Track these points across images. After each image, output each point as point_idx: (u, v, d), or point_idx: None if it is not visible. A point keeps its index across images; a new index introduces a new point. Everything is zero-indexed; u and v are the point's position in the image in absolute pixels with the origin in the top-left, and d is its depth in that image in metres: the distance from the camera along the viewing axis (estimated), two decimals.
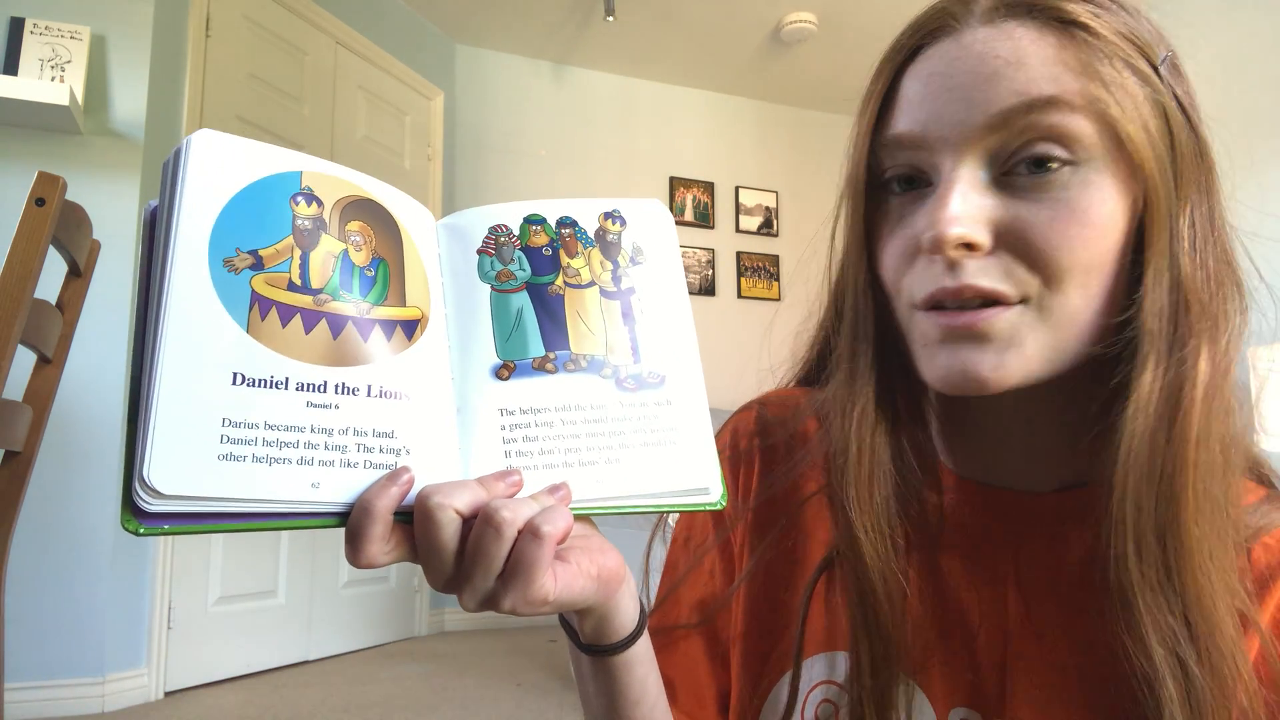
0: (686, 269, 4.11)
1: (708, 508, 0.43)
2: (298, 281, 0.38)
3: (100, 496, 2.16)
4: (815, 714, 0.50)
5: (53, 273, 1.04)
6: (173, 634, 2.33)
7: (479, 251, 0.44)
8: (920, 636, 0.49)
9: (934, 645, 0.49)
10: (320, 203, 0.40)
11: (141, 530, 0.33)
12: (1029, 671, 0.46)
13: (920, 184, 0.45)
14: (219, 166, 0.38)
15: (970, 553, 0.50)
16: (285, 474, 0.35)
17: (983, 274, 0.41)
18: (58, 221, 0.99)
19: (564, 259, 0.45)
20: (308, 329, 0.38)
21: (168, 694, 2.29)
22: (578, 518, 0.41)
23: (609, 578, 0.41)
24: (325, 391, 0.37)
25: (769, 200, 4.41)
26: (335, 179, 0.41)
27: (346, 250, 0.40)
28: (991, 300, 0.41)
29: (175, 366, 0.34)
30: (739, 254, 4.29)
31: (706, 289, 4.19)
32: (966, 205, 0.41)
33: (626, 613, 0.44)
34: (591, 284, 0.45)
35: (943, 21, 0.44)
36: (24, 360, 1.00)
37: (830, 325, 0.54)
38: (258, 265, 0.37)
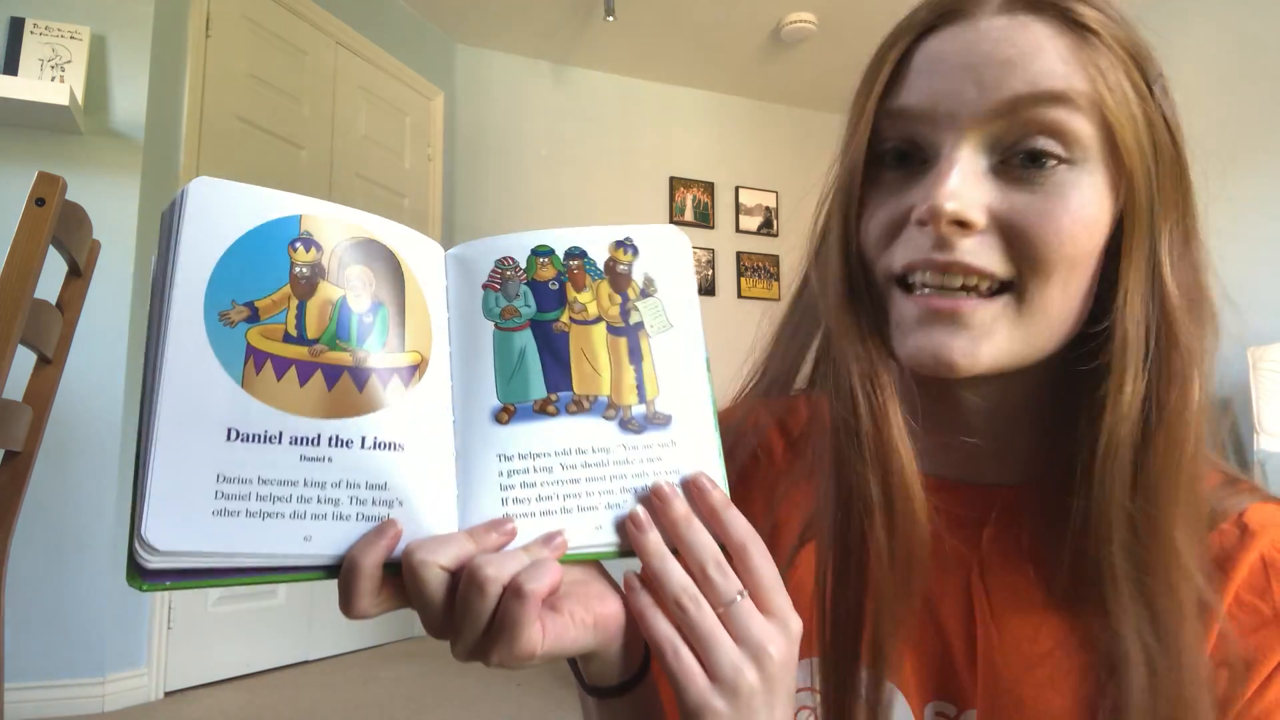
0: None
1: None
2: (293, 332, 0.38)
3: (100, 496, 2.16)
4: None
5: (53, 273, 1.04)
6: (173, 634, 2.33)
7: (484, 287, 0.43)
8: None
9: (906, 640, 0.49)
10: (319, 247, 0.39)
11: (144, 586, 0.34)
12: (998, 662, 0.47)
13: (914, 160, 0.45)
14: (216, 215, 0.38)
15: (934, 546, 0.50)
16: (278, 528, 0.36)
17: (972, 254, 0.42)
18: (58, 221, 0.99)
19: (570, 293, 0.43)
20: (302, 381, 0.38)
21: (168, 694, 2.29)
22: (580, 561, 0.41)
23: (606, 624, 0.40)
24: (319, 445, 0.37)
25: (769, 200, 4.41)
26: (335, 220, 0.40)
27: (345, 296, 0.39)
28: (973, 285, 0.42)
29: (171, 424, 0.35)
30: (739, 254, 4.29)
31: (706, 289, 4.19)
32: (965, 184, 0.42)
33: (630, 655, 0.43)
34: (598, 319, 0.43)
35: (960, 5, 0.45)
36: (24, 360, 1.00)
37: (805, 300, 0.54)
38: (253, 317, 0.37)
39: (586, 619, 0.39)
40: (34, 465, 1.07)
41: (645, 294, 0.44)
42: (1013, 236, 0.42)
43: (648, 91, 4.24)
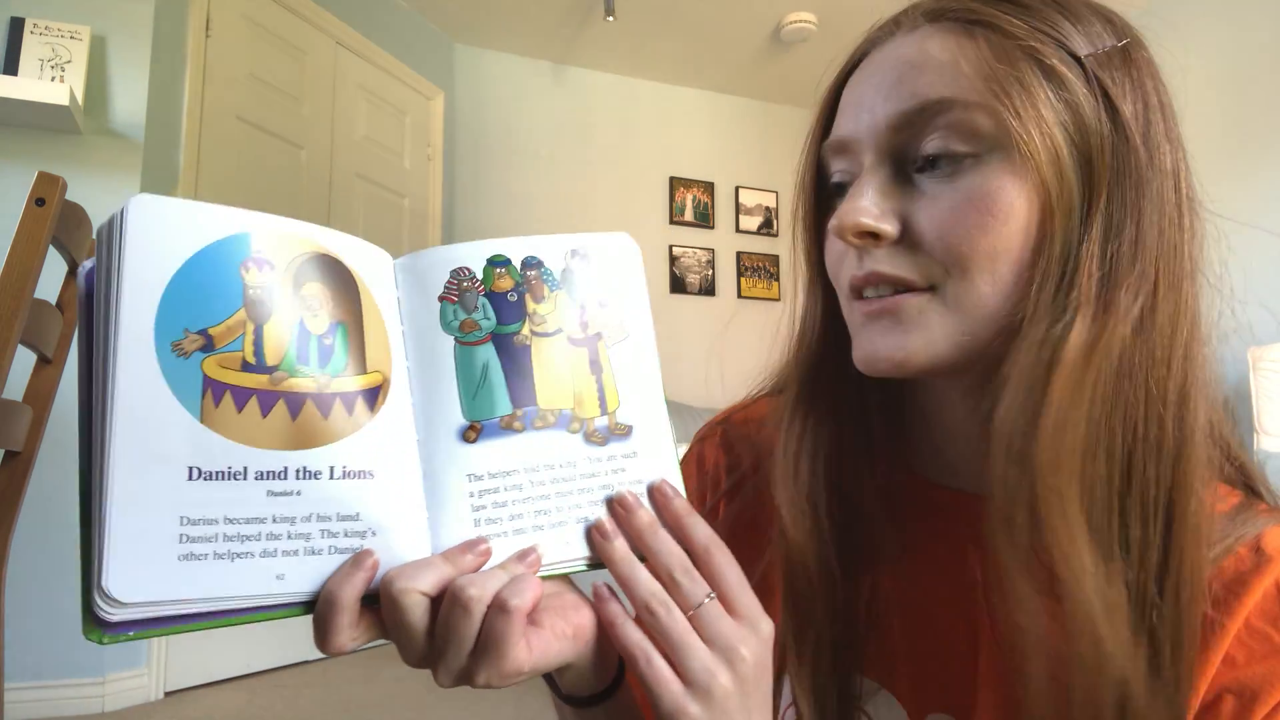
0: (687, 269, 4.14)
1: None
2: (252, 360, 0.36)
3: None
4: None
5: (53, 273, 1.04)
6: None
7: (441, 299, 0.41)
8: (889, 642, 0.49)
9: (904, 651, 0.49)
10: (272, 265, 0.37)
11: (105, 639, 0.32)
12: (998, 673, 0.46)
13: (849, 186, 0.47)
14: (160, 237, 0.35)
15: (937, 556, 0.50)
16: (248, 568, 0.34)
17: (887, 261, 0.43)
18: (58, 221, 0.99)
19: (530, 305, 0.42)
20: (265, 411, 0.36)
21: (168, 694, 2.29)
22: (550, 576, 0.41)
23: (584, 634, 0.40)
24: (286, 478, 0.35)
25: (769, 200, 4.41)
26: (287, 236, 0.38)
27: (303, 318, 0.37)
28: (903, 287, 0.43)
29: (127, 466, 0.32)
30: (739, 254, 4.29)
31: (706, 289, 4.19)
32: (871, 197, 0.43)
33: (605, 664, 0.43)
34: (558, 331, 0.42)
35: (881, 33, 0.47)
36: (24, 360, 1.00)
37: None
38: (209, 346, 0.35)
39: (566, 630, 0.39)
40: (34, 465, 1.07)
41: (602, 304, 0.43)
42: (925, 238, 0.42)
43: (648, 91, 4.24)
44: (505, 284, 0.42)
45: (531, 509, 0.40)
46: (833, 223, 0.44)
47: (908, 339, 0.43)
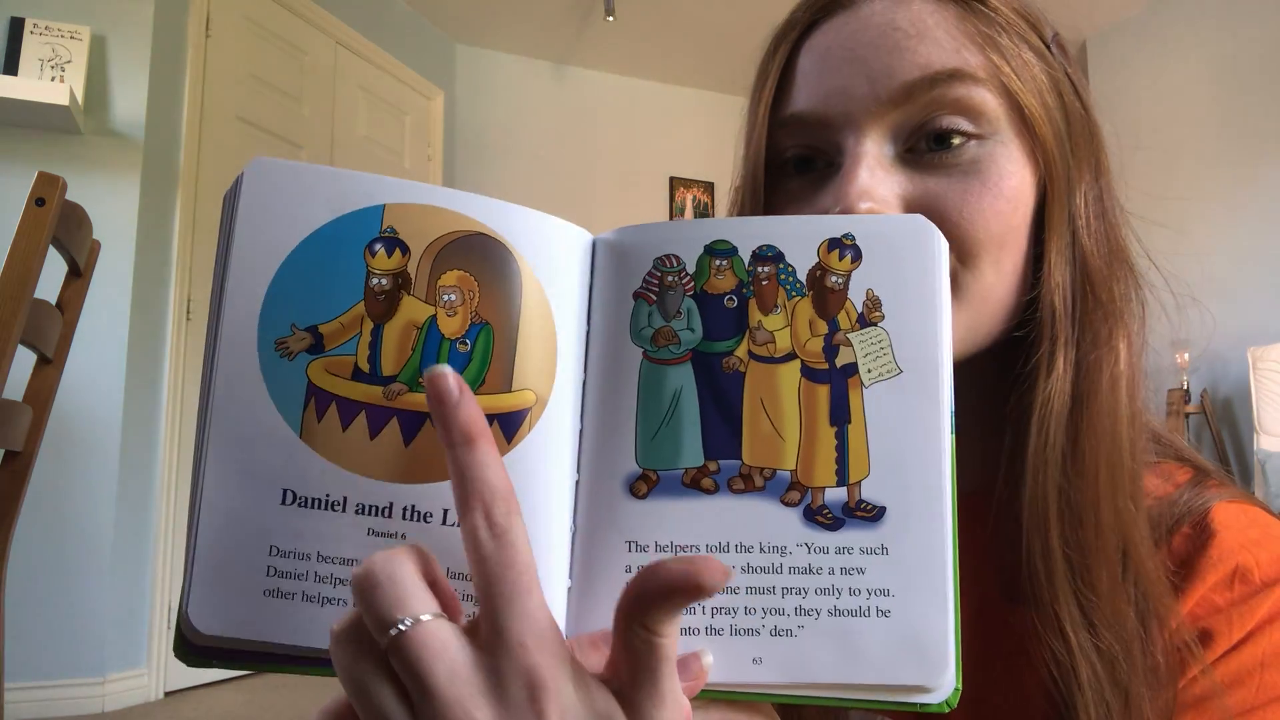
0: None
1: (927, 709, 0.29)
2: (365, 367, 0.30)
3: (100, 496, 2.16)
4: None
5: (53, 273, 1.04)
6: (173, 634, 2.33)
7: (636, 295, 0.32)
8: None
9: None
10: (405, 248, 0.30)
11: (191, 661, 0.29)
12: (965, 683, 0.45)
13: (820, 164, 0.43)
14: (276, 208, 0.30)
15: None
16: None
17: None
18: (58, 221, 0.99)
19: (754, 314, 0.31)
20: (374, 432, 0.30)
21: (168, 694, 2.29)
22: (721, 697, 0.30)
23: None
24: (390, 516, 0.29)
25: None
26: (430, 210, 0.31)
27: (435, 317, 0.30)
28: None
29: (220, 480, 0.29)
30: None
31: None
32: (874, 179, 0.39)
33: None
34: (791, 356, 0.31)
35: None
36: (24, 360, 1.00)
37: None
38: (317, 346, 0.30)
39: None
40: (34, 465, 1.07)
41: (865, 321, 0.31)
42: (935, 223, 0.41)
43: (648, 91, 4.24)
44: (724, 283, 0.32)
45: (709, 604, 0.30)
46: (835, 209, 0.39)
47: None
